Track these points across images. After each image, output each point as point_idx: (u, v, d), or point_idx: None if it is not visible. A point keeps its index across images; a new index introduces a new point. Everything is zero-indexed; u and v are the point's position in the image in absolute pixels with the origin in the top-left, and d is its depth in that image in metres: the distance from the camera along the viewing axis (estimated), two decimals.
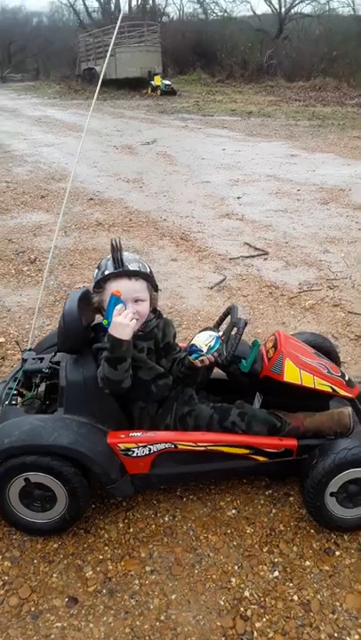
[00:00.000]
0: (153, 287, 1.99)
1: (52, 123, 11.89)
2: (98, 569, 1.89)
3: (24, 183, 6.72)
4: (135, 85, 18.46)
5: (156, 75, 18.09)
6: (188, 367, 2.01)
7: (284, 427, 2.01)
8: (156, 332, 2.04)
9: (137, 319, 1.89)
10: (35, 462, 1.87)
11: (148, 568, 1.89)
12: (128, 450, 1.95)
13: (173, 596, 1.79)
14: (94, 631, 1.69)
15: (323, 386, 2.04)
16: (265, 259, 4.40)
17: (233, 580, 1.84)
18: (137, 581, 1.85)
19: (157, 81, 17.37)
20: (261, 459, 2.02)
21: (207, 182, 6.69)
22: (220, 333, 2.07)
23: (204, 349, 1.94)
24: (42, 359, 2.26)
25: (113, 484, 1.96)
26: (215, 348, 1.95)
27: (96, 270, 1.93)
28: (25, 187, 6.57)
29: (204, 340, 1.97)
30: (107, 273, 1.87)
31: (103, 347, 1.85)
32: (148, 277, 1.93)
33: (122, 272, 1.86)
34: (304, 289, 3.85)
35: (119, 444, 1.94)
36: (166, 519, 2.07)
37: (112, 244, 1.87)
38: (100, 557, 1.93)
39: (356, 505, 1.93)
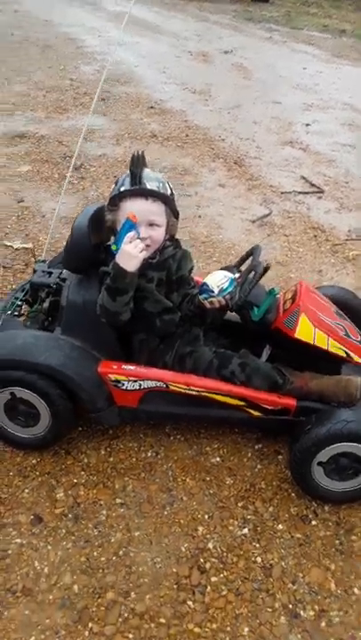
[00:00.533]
0: (172, 212, 1.81)
1: (130, 20, 11.13)
2: (69, 492, 1.89)
3: (88, 83, 6.38)
4: None
5: None
6: (197, 306, 1.88)
7: (286, 384, 1.88)
8: (170, 263, 1.88)
9: (148, 246, 1.74)
10: (21, 379, 1.83)
11: (118, 500, 1.87)
12: (118, 382, 1.87)
13: (137, 534, 1.77)
14: (50, 554, 1.70)
15: (336, 349, 1.87)
16: (319, 197, 4.05)
17: (200, 528, 1.79)
18: (104, 512, 1.83)
19: None
20: (256, 413, 1.91)
21: (278, 103, 6.15)
22: (237, 275, 1.91)
23: (216, 290, 1.79)
24: (51, 273, 2.18)
25: (98, 412, 1.92)
26: (228, 291, 1.80)
27: (113, 185, 1.77)
28: (88, 87, 6.24)
29: (218, 281, 1.81)
30: (122, 190, 1.71)
31: (107, 272, 1.73)
32: (167, 200, 1.75)
33: (138, 190, 1.69)
34: (352, 237, 3.54)
35: (110, 375, 1.86)
36: (148, 454, 2.03)
37: (133, 157, 1.69)
38: (75, 481, 1.92)
39: (343, 479, 1.81)
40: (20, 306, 2.17)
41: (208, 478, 1.95)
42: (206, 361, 1.90)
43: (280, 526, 1.81)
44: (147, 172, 1.72)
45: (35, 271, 2.23)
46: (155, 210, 1.73)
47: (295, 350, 1.92)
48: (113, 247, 1.68)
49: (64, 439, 2.03)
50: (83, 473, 1.95)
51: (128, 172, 1.73)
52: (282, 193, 4.08)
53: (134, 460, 2.01)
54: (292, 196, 4.05)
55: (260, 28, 10.78)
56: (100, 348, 1.91)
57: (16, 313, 2.13)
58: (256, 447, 2.08)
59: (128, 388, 1.89)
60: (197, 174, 4.31)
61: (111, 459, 2.01)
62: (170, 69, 7.32)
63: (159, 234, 1.78)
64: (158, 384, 1.87)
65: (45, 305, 2.13)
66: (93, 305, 1.81)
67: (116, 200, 1.73)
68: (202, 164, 4.50)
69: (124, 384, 1.87)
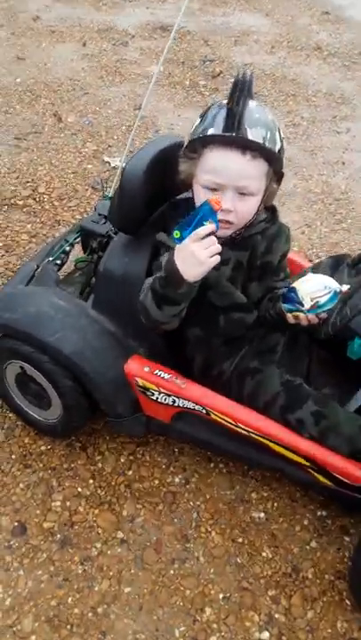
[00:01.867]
0: (276, 175, 1.20)
1: None
2: (68, 503, 1.51)
3: None
4: None
5: None
6: (278, 313, 1.31)
7: None
8: (256, 242, 1.31)
9: (229, 223, 1.18)
10: (29, 356, 1.43)
11: (120, 534, 1.46)
12: (146, 389, 1.39)
13: (127, 590, 1.36)
14: (20, 582, 1.36)
15: None
16: None
17: (208, 611, 1.34)
18: (99, 545, 1.44)
19: None
20: (324, 480, 1.35)
21: None
22: (344, 288, 1.28)
23: (307, 305, 1.21)
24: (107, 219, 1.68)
25: (118, 419, 1.48)
26: (325, 308, 1.21)
27: (196, 121, 1.18)
28: None
29: (314, 291, 1.21)
30: (210, 133, 1.12)
31: (159, 265, 1.19)
32: (272, 158, 1.14)
33: (235, 139, 1.10)
34: None
35: (137, 379, 1.38)
36: (176, 480, 1.57)
37: (237, 82, 1.08)
38: (79, 490, 1.54)
39: None
40: (67, 252, 1.72)
41: (241, 540, 1.46)
42: (270, 392, 1.34)
43: None
44: (252, 109, 1.11)
45: (94, 210, 1.75)
46: (251, 172, 1.13)
47: None
48: (176, 234, 1.07)
49: (85, 428, 1.63)
50: (91, 481, 1.56)
51: (222, 102, 1.14)
52: None
53: (157, 482, 1.56)
54: None
55: None
56: (137, 335, 1.42)
57: (58, 262, 1.68)
58: (318, 514, 1.52)
59: (159, 400, 1.40)
60: (358, 106, 3.41)
61: (130, 472, 1.58)
62: None
63: (250, 206, 1.18)
64: (197, 407, 1.37)
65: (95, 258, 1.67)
66: (136, 278, 1.31)
67: (198, 145, 1.15)
68: None
69: (153, 394, 1.39)
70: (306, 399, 1.31)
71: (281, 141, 1.16)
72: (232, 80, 1.08)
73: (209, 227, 1.01)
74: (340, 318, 1.21)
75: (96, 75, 3.38)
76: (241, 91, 1.08)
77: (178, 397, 1.37)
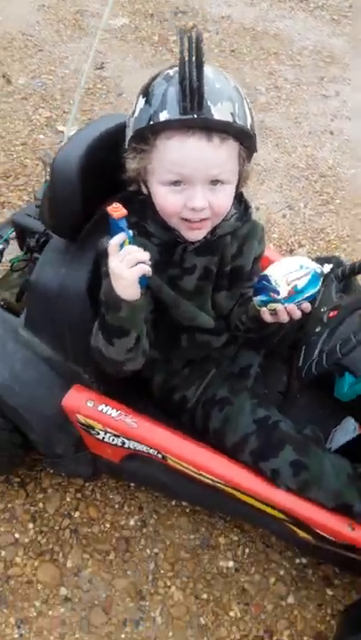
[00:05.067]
0: (248, 153, 0.96)
1: None
2: (2, 554, 1.29)
3: None
4: None
5: None
6: (252, 318, 1.07)
7: None
8: (226, 244, 1.07)
9: (205, 220, 0.95)
10: None
11: (63, 591, 1.24)
12: (90, 427, 1.15)
13: None
14: None
15: None
16: None
17: None
18: (38, 604, 1.22)
19: None
20: (303, 534, 1.14)
21: None
22: (326, 268, 1.04)
23: (283, 290, 0.95)
24: None
25: (58, 459, 1.24)
26: (306, 294, 0.96)
27: (139, 102, 0.90)
28: None
29: (289, 272, 0.96)
30: (164, 119, 0.85)
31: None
32: (244, 135, 0.91)
33: (199, 123, 0.85)
34: None
35: (78, 415, 1.13)
36: (131, 523, 1.35)
37: (183, 43, 0.82)
38: (16, 537, 1.31)
39: None
40: (1, 251, 1.44)
41: (205, 596, 1.25)
42: (240, 432, 1.11)
43: None
44: (211, 79, 0.86)
45: (35, 199, 1.46)
46: (222, 157, 0.90)
47: None
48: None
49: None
50: (31, 526, 1.33)
51: (170, 72, 0.88)
52: None
53: (108, 526, 1.34)
54: None
55: None
56: (80, 359, 1.16)
57: None
58: (296, 562, 1.31)
59: (105, 440, 1.16)
60: (348, 66, 3.09)
61: (77, 514, 1.35)
62: None
63: (226, 196, 0.95)
64: (151, 451, 1.13)
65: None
66: (75, 293, 1.07)
67: (149, 134, 0.88)
68: (360, 51, 3.24)
69: (99, 433, 1.15)
70: (283, 445, 1.08)
71: (250, 112, 0.92)
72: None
73: (117, 237, 0.84)
74: (328, 354, 0.97)
75: (52, 29, 2.99)
76: (192, 58, 0.81)
77: (128, 439, 1.13)
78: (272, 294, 0.95)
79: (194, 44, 0.81)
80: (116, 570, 1.28)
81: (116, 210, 0.82)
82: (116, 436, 1.14)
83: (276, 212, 2.14)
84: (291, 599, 1.26)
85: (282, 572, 1.29)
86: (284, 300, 0.95)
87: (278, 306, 0.96)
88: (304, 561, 1.31)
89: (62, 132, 2.35)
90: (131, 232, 0.84)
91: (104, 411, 1.12)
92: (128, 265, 0.83)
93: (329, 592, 1.27)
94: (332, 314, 1.08)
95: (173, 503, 1.38)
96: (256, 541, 1.34)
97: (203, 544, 1.33)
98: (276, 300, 0.96)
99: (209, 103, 0.84)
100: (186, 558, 1.30)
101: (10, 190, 2.08)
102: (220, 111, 0.85)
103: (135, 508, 1.37)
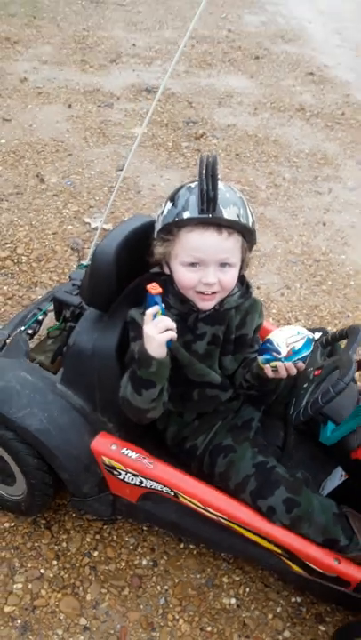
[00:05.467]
0: (249, 244, 1.24)
1: None
2: (30, 586, 1.44)
3: (246, 37, 5.63)
4: None
5: None
6: (256, 375, 1.31)
7: (351, 549, 1.24)
8: (231, 316, 1.32)
9: (215, 293, 1.22)
10: None
11: (82, 621, 1.39)
12: (113, 468, 1.35)
13: None
14: None
15: None
16: None
17: None
18: (60, 632, 1.37)
19: None
20: (297, 568, 1.30)
21: None
22: (317, 336, 1.28)
23: (283, 351, 1.19)
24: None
25: (83, 499, 1.43)
26: (301, 356, 1.20)
27: (167, 205, 1.19)
28: (244, 41, 5.50)
29: (287, 338, 1.20)
30: (186, 217, 1.14)
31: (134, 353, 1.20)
32: (246, 231, 1.19)
33: (212, 220, 1.13)
34: None
35: (104, 457, 1.34)
36: (144, 562, 1.51)
37: (202, 164, 1.11)
38: (41, 572, 1.47)
39: None
40: (40, 321, 1.71)
41: (210, 628, 1.39)
42: (241, 474, 1.30)
43: None
44: (222, 189, 1.14)
45: (70, 278, 1.74)
46: (229, 246, 1.18)
47: None
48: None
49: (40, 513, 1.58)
50: (55, 562, 1.49)
51: (191, 185, 1.17)
52: None
53: (123, 564, 1.50)
54: None
55: None
56: (107, 411, 1.39)
57: (30, 331, 1.66)
58: (292, 600, 1.46)
59: (126, 480, 1.36)
60: (340, 166, 3.50)
61: (95, 553, 1.52)
62: (349, 31, 6.28)
63: (231, 276, 1.22)
64: (165, 489, 1.32)
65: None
66: (105, 355, 1.32)
67: (174, 228, 1.17)
68: (351, 153, 3.67)
69: (120, 473, 1.35)
70: (278, 485, 1.27)
71: (252, 215, 1.20)
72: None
73: (153, 309, 1.11)
74: (312, 404, 1.19)
75: (80, 136, 3.46)
76: (210, 170, 1.11)
77: (145, 478, 1.33)
78: (274, 354, 1.20)
79: (211, 165, 1.11)
80: (130, 604, 1.42)
81: (155, 288, 1.10)
82: (135, 475, 1.34)
83: (275, 291, 2.42)
84: (287, 633, 1.39)
85: (279, 610, 1.43)
86: (284, 358, 1.19)
87: (279, 363, 1.20)
88: (299, 600, 1.46)
89: (89, 223, 2.71)
90: (163, 305, 1.11)
91: (126, 453, 1.34)
92: (159, 331, 1.09)
93: (321, 628, 1.40)
94: (316, 372, 1.30)
95: (182, 546, 1.55)
96: (256, 581, 1.49)
97: (208, 583, 1.48)
98: (277, 359, 1.20)
99: (220, 207, 1.12)
100: (193, 595, 1.45)
101: (42, 272, 2.39)
102: (228, 213, 1.13)
103: (148, 549, 1.53)
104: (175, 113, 3.92)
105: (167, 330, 1.10)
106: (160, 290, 1.11)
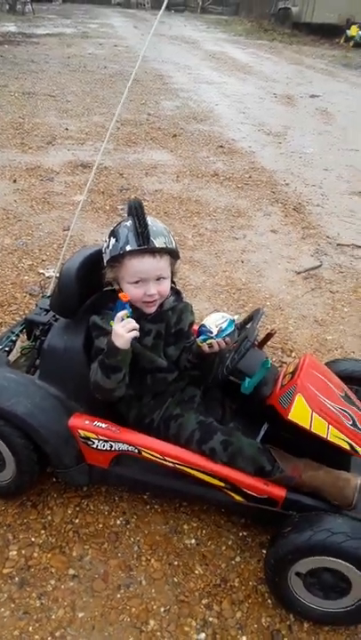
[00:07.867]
0: (175, 259, 1.68)
1: (223, 59, 11.30)
2: (23, 552, 1.72)
3: (164, 119, 6.46)
4: (328, 33, 16.82)
5: (355, 24, 16.21)
6: (196, 354, 1.72)
7: (274, 472, 1.63)
8: (169, 316, 1.74)
9: (155, 301, 1.64)
10: None
11: (71, 571, 1.68)
12: (88, 439, 1.71)
13: (81, 615, 1.57)
14: None
15: (338, 439, 1.60)
16: None
17: (152, 622, 1.56)
18: (53, 582, 1.65)
19: (353, 31, 15.51)
20: (238, 498, 1.67)
21: (356, 151, 5.90)
22: (236, 317, 1.73)
23: (214, 331, 1.63)
24: (48, 311, 2.07)
25: (65, 469, 1.76)
26: (227, 332, 1.63)
27: (111, 240, 1.60)
28: (163, 122, 6.31)
29: (215, 321, 1.65)
30: (128, 249, 1.56)
31: (99, 347, 1.59)
32: (172, 252, 1.63)
33: (147, 250, 1.55)
34: None
35: (80, 430, 1.70)
36: (118, 522, 1.83)
37: (131, 209, 1.53)
38: (32, 540, 1.76)
39: (327, 596, 1.52)
40: (14, 341, 2.08)
41: (176, 563, 1.72)
42: (188, 430, 1.69)
43: (244, 638, 1.54)
44: (151, 225, 1.56)
45: (36, 306, 2.14)
46: (162, 265, 1.61)
47: (294, 433, 1.68)
48: (111, 323, 1.53)
49: (35, 489, 1.88)
50: (43, 532, 1.79)
51: (127, 223, 1.58)
52: (338, 245, 3.81)
53: (101, 526, 1.82)
54: (349, 250, 3.77)
55: (356, 74, 10.58)
56: (77, 397, 1.76)
57: (7, 349, 2.03)
58: (240, 534, 1.82)
59: (99, 447, 1.71)
60: (251, 217, 4.13)
61: (77, 520, 1.83)
62: (250, 110, 7.28)
63: (166, 286, 1.66)
64: (130, 448, 1.69)
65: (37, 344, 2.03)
66: (75, 351, 1.70)
67: (120, 258, 1.59)
68: (258, 207, 4.33)
69: (94, 442, 1.70)
70: (215, 432, 1.67)
71: (173, 239, 1.64)
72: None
73: (124, 312, 1.47)
74: (231, 360, 1.62)
75: (27, 205, 3.93)
76: (138, 212, 1.53)
77: (114, 442, 1.69)
78: (208, 334, 1.63)
79: (137, 208, 1.55)
80: (110, 554, 1.73)
81: (125, 296, 1.48)
82: (105, 441, 1.70)
83: (207, 314, 2.88)
84: (238, 559, 1.74)
85: (230, 542, 1.79)
86: (216, 335, 1.63)
87: (213, 340, 1.63)
88: (245, 533, 1.82)
89: (43, 272, 3.12)
90: (131, 310, 1.48)
91: (97, 424, 1.70)
92: (127, 330, 1.46)
93: (264, 552, 1.76)
94: (233, 345, 1.75)
95: (148, 507, 1.88)
96: (210, 525, 1.84)
97: (172, 530, 1.81)
98: (210, 337, 1.63)
99: (152, 238, 1.56)
100: (160, 541, 1.78)
101: (5, 314, 2.75)
102: (158, 242, 1.56)
103: (120, 512, 1.86)
104: (109, 182, 4.49)
105: (132, 330, 1.47)
106: (129, 297, 1.49)
